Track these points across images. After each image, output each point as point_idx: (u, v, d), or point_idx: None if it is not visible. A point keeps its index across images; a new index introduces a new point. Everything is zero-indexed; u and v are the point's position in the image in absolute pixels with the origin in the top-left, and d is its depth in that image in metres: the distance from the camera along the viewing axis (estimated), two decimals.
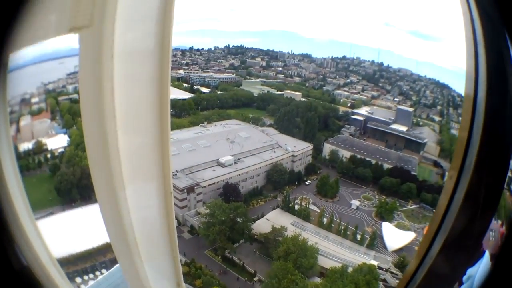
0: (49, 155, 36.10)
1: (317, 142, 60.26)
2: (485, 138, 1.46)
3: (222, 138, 48.08)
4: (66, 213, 30.66)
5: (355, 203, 47.15)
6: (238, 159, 45.52)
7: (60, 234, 21.65)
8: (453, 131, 78.52)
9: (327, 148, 59.57)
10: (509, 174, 1.45)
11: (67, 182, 33.34)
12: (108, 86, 1.23)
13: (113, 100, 1.24)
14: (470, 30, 1.48)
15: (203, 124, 51.39)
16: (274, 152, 50.11)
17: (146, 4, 1.33)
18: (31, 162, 34.32)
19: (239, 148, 47.82)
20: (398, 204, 46.64)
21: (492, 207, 1.47)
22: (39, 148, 36.56)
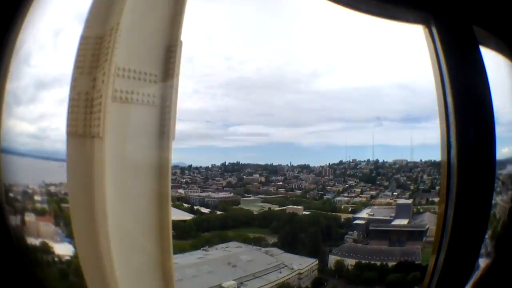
0: (56, 259, 33.66)
1: (322, 255, 56.09)
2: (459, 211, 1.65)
3: (224, 263, 44.13)
4: None
5: None
6: (241, 283, 41.45)
7: None
8: None
9: (332, 259, 54.65)
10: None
11: None
12: (101, 206, 1.20)
13: (105, 218, 1.21)
14: (443, 106, 1.71)
15: (204, 248, 47.99)
16: (280, 272, 46.14)
17: (145, 119, 1.35)
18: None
19: (242, 272, 43.57)
20: None
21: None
22: (46, 249, 34.31)
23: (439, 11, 1.81)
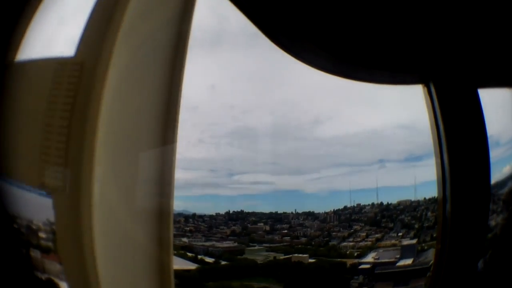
0: None
1: None
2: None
3: None
4: None
5: None
6: None
7: None
8: None
9: None
10: None
11: None
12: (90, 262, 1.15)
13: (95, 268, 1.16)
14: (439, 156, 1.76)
15: None
16: None
17: (144, 166, 1.34)
18: None
19: None
20: None
21: None
22: (54, 285, 32.99)
23: (438, 72, 1.89)
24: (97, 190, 1.16)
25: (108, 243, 1.18)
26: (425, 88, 1.99)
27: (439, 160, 1.87)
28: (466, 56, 1.83)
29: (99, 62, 1.16)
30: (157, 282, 1.30)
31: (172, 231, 1.42)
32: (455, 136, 1.79)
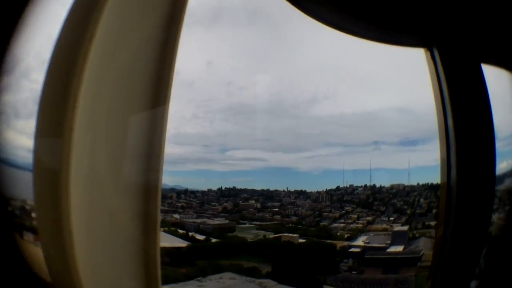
0: None
1: (317, 286, 54.91)
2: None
3: None
4: None
5: None
6: None
7: None
8: None
9: None
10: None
11: None
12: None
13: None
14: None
15: (198, 279, 46.10)
16: None
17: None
18: None
19: None
20: None
21: None
22: None
23: (441, 34, 1.81)
24: (85, 159, 1.14)
25: (91, 216, 1.13)
26: (428, 53, 1.94)
27: (443, 141, 1.80)
28: (471, 26, 1.78)
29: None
30: (142, 259, 1.25)
31: (159, 206, 1.37)
32: (461, 115, 1.73)
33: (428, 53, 1.93)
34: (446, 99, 1.77)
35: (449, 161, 1.76)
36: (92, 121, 1.16)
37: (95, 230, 1.16)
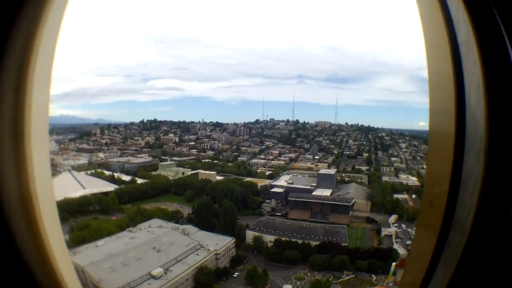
0: None
1: (238, 230, 57.06)
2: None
3: (149, 247, 47.69)
4: None
5: (288, 287, 45.09)
6: (167, 268, 44.61)
7: None
8: (385, 178, 75.30)
9: (250, 234, 55.96)
10: None
11: None
12: None
13: None
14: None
15: (129, 229, 51.57)
16: (198, 255, 48.99)
17: None
18: None
19: (166, 257, 46.83)
20: (332, 277, 45.49)
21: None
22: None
23: None
24: None
25: None
26: None
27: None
28: None
29: None
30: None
31: None
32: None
33: None
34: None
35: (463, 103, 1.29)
36: None
37: None
